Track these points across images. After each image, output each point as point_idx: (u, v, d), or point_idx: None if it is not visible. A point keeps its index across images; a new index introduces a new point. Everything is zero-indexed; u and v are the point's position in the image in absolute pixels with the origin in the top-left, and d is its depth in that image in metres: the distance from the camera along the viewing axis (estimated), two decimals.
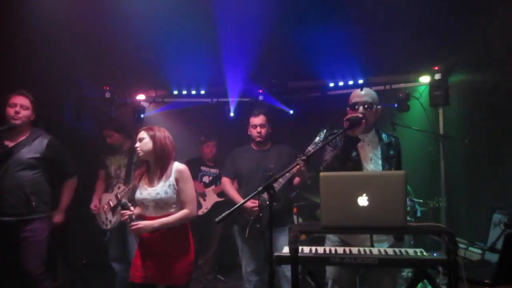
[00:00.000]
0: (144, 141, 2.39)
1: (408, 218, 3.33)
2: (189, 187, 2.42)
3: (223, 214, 1.79)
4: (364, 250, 1.87)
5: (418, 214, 3.41)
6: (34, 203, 2.79)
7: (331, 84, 4.65)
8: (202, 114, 5.07)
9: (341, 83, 4.61)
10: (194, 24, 3.84)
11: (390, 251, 1.87)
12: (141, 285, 2.33)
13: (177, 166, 2.43)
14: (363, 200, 1.67)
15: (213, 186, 4.05)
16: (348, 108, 2.36)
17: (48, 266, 2.92)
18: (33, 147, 2.85)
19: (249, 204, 2.86)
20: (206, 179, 4.09)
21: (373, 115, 2.31)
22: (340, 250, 1.87)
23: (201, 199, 3.96)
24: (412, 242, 3.39)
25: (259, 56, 4.13)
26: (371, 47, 3.96)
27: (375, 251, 1.88)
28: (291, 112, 4.86)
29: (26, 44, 3.58)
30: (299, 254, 1.77)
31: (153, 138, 2.39)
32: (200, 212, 3.88)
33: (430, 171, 4.16)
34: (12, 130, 2.84)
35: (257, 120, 3.14)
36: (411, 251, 1.85)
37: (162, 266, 2.33)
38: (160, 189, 2.35)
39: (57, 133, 3.16)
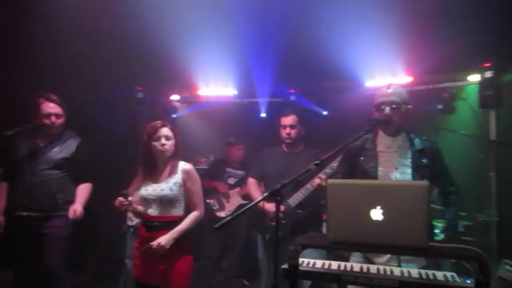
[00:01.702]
0: (172, 142, 2.37)
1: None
2: (198, 187, 2.38)
3: (223, 221, 1.66)
4: (384, 270, 1.64)
5: (459, 229, 3.02)
6: (60, 201, 2.89)
7: (367, 83, 4.37)
8: (233, 115, 4.99)
9: (379, 82, 4.30)
10: (224, 25, 3.76)
11: (414, 272, 1.62)
12: (144, 285, 2.31)
13: (184, 166, 2.38)
14: (377, 213, 1.44)
15: (238, 188, 3.94)
16: (373, 109, 2.12)
17: (79, 260, 2.93)
18: (64, 148, 2.97)
19: (271, 208, 2.69)
20: (231, 180, 3.99)
21: (402, 117, 2.06)
22: (356, 267, 1.66)
23: (224, 201, 3.86)
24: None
25: (291, 55, 3.97)
26: (413, 41, 3.61)
27: (397, 271, 1.64)
28: (325, 113, 4.63)
29: (58, 45, 3.68)
30: (309, 269, 1.62)
31: (176, 138, 2.39)
32: (223, 214, 3.79)
33: (479, 181, 3.75)
34: (40, 129, 2.93)
35: (287, 120, 2.97)
36: (440, 274, 1.58)
37: (163, 268, 2.28)
38: (165, 185, 2.32)
39: (91, 133, 3.20)
